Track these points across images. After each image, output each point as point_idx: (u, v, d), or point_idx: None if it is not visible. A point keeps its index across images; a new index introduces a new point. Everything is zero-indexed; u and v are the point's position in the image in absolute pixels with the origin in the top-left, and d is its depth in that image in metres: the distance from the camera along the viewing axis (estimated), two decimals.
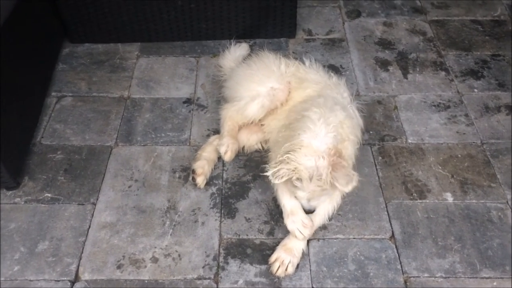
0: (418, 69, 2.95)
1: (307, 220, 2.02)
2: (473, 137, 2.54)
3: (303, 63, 2.47)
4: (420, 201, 2.25)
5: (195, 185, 2.28)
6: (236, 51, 2.88)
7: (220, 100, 2.69)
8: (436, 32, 3.22)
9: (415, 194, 2.27)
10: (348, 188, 1.85)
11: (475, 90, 2.81)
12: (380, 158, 2.45)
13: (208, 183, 2.31)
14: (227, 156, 2.32)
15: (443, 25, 3.27)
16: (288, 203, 2.05)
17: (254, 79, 2.38)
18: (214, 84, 2.85)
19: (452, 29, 3.24)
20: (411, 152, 2.47)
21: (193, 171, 2.29)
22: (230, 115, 2.42)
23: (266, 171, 1.89)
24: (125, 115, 2.65)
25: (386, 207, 2.22)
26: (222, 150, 2.32)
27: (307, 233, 2.00)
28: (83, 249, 2.05)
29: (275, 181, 1.86)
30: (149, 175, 2.35)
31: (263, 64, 2.45)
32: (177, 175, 2.35)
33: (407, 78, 2.90)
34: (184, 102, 2.75)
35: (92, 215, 2.17)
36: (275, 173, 1.85)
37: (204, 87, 2.85)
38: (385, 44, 3.14)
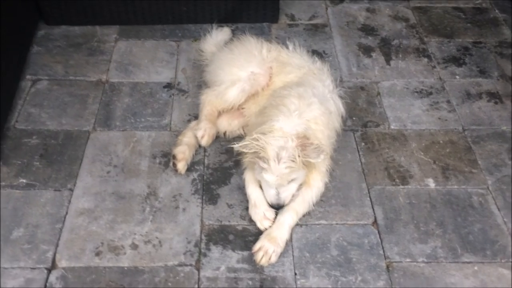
0: (400, 56, 2.94)
1: (269, 212, 2.03)
2: (454, 124, 2.54)
3: (287, 47, 2.44)
4: (403, 186, 2.24)
5: (176, 171, 2.23)
6: (218, 35, 2.82)
7: (201, 84, 2.64)
8: (419, 19, 3.21)
9: (397, 180, 2.27)
10: (320, 158, 1.90)
11: (457, 76, 2.82)
12: (363, 144, 2.43)
13: (189, 169, 2.26)
14: (204, 141, 2.29)
15: (425, 12, 3.27)
16: (253, 194, 2.07)
17: (235, 63, 2.34)
18: (195, 68, 2.79)
19: (434, 16, 3.24)
20: (393, 138, 2.46)
21: (174, 157, 2.24)
22: (210, 100, 2.38)
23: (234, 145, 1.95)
24: (103, 100, 2.58)
25: (369, 193, 2.21)
26: (199, 134, 2.29)
27: (267, 225, 2.02)
28: (60, 236, 1.99)
29: (241, 149, 1.93)
30: (128, 160, 2.29)
31: (244, 49, 2.41)
32: (157, 160, 2.30)
33: (390, 65, 2.89)
34: (165, 87, 2.69)
35: (69, 201, 2.11)
36: (243, 145, 1.91)
37: (185, 72, 2.79)
38: (368, 30, 3.12)
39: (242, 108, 2.37)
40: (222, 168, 2.30)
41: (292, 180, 1.97)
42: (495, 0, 3.35)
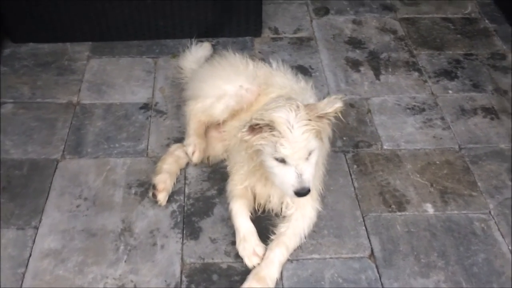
0: (390, 70, 2.80)
1: (259, 248, 1.85)
2: (450, 142, 2.40)
3: (270, 64, 2.28)
4: (400, 213, 2.08)
5: (156, 202, 2.04)
6: (198, 51, 2.66)
7: (181, 105, 2.45)
8: (407, 31, 3.08)
9: (393, 206, 2.11)
10: (338, 105, 1.69)
11: (450, 91, 2.69)
12: (355, 166, 2.27)
13: (168, 200, 2.07)
14: (196, 157, 2.14)
15: (413, 23, 3.14)
16: (243, 226, 1.89)
17: (222, 76, 2.17)
18: (174, 87, 2.61)
19: (423, 27, 3.11)
20: (387, 159, 2.31)
21: (154, 187, 2.05)
22: (195, 113, 2.21)
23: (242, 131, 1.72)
24: (73, 124, 2.38)
25: (364, 221, 2.05)
26: (190, 150, 2.14)
27: (256, 262, 1.82)
28: (22, 282, 1.77)
29: (244, 135, 1.72)
30: (100, 192, 2.09)
31: (229, 63, 2.24)
32: (133, 191, 2.11)
33: (379, 79, 2.74)
34: (141, 108, 2.49)
35: (34, 241, 1.90)
36: (248, 125, 1.68)
37: (163, 91, 2.60)
38: (355, 43, 2.98)
39: (223, 131, 2.19)
40: (205, 197, 2.11)
41: (311, 152, 1.70)
42: (485, 9, 3.24)
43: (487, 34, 3.06)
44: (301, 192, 1.70)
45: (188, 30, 2.88)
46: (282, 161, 1.70)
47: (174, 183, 2.11)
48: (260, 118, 1.67)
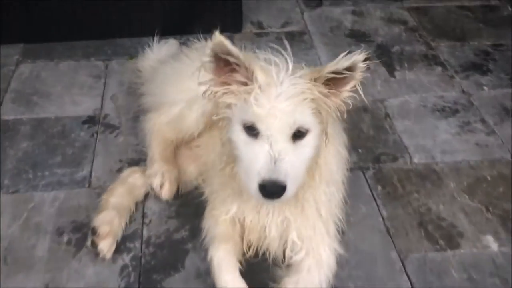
0: (406, 65, 2.24)
1: None
2: (499, 150, 1.81)
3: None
4: (452, 252, 1.46)
5: (97, 254, 1.38)
6: (162, 49, 2.06)
7: (138, 116, 1.81)
8: (419, 21, 2.53)
9: (442, 242, 1.49)
10: (358, 57, 1.06)
11: (485, 88, 2.12)
12: (379, 187, 1.66)
13: (118, 249, 1.41)
14: (165, 192, 1.53)
15: (425, 13, 2.60)
16: (230, 284, 1.26)
17: (192, 73, 1.54)
18: (130, 95, 1.98)
19: (437, 16, 2.57)
20: (421, 177, 1.70)
21: (94, 231, 1.40)
22: (159, 129, 1.61)
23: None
24: None
25: (404, 266, 1.42)
26: (156, 182, 1.53)
27: None
28: None
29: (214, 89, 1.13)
30: (16, 242, 1.42)
31: (201, 56, 1.62)
32: (64, 239, 1.44)
33: (394, 77, 2.16)
34: (85, 122, 1.85)
35: None
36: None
37: (115, 100, 1.97)
38: (358, 36, 2.41)
39: (196, 146, 1.56)
40: (172, 242, 1.46)
41: (302, 134, 1.11)
42: None
43: None
44: (269, 188, 1.05)
45: (149, 26, 2.24)
46: (253, 132, 1.09)
47: (125, 224, 1.46)
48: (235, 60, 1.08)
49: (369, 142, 1.84)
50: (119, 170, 1.64)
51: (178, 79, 1.62)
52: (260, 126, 1.07)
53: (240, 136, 1.11)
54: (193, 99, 1.53)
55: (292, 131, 1.08)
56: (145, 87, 1.80)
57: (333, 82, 1.10)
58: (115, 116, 1.90)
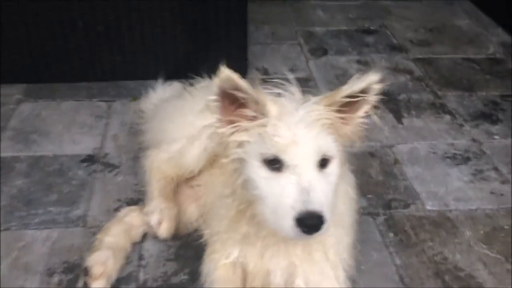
0: (414, 113, 2.20)
1: None
2: None
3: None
4: None
5: None
6: (166, 91, 2.01)
7: (139, 156, 1.74)
8: (425, 71, 2.52)
9: None
10: (373, 78, 1.06)
11: (496, 137, 2.07)
12: (391, 234, 1.56)
13: None
14: (163, 230, 1.44)
15: (430, 63, 2.60)
16: None
17: (194, 109, 1.48)
18: (131, 135, 1.93)
19: (443, 67, 2.57)
20: (435, 224, 1.61)
21: (86, 271, 1.30)
22: (158, 166, 1.53)
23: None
24: None
25: None
26: (154, 220, 1.44)
27: None
28: None
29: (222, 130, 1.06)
30: (4, 282, 1.32)
31: (205, 93, 1.58)
32: (55, 279, 1.34)
33: (402, 123, 2.12)
34: (83, 161, 1.79)
35: None
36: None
37: (117, 139, 1.92)
38: None
39: (198, 185, 1.48)
40: (169, 286, 1.35)
41: (326, 161, 1.03)
42: (509, 50, 2.75)
43: None
44: (307, 220, 0.95)
45: (154, 69, 2.22)
46: (276, 166, 1.01)
47: (120, 266, 1.36)
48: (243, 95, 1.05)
49: (378, 187, 1.76)
50: (117, 210, 1.55)
51: (179, 116, 1.57)
52: (284, 157, 0.99)
53: (260, 173, 1.02)
54: (193, 135, 1.48)
55: (318, 158, 1.01)
56: (146, 125, 1.75)
57: (346, 107, 1.05)
58: (115, 155, 1.83)
